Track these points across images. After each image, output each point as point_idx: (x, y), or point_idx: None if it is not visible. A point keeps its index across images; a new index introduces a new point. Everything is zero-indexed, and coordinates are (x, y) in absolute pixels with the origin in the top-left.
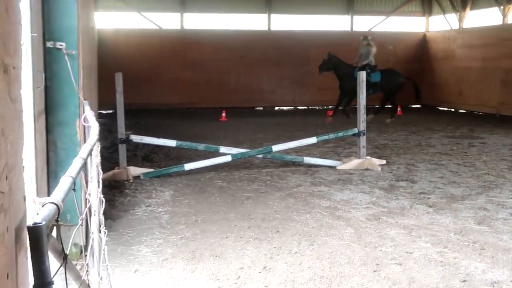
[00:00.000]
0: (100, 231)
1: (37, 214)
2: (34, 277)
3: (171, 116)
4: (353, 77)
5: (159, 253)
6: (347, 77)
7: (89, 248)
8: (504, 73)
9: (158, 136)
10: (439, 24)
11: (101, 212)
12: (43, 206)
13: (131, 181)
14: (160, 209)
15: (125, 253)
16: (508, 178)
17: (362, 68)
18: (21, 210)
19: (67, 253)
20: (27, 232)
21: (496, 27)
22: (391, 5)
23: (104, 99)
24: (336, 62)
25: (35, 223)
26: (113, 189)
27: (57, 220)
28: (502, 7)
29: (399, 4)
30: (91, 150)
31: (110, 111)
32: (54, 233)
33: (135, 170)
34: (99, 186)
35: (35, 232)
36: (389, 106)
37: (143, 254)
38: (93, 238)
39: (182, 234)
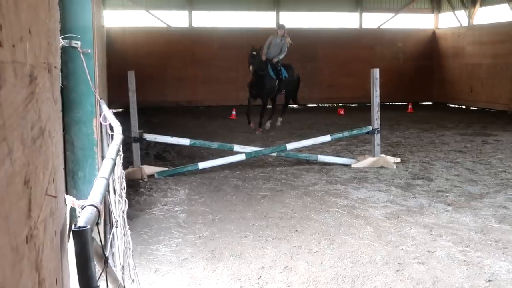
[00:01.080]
0: (124, 233)
1: (78, 217)
2: (80, 283)
3: (180, 114)
4: (269, 74)
5: (178, 252)
6: (267, 74)
7: (115, 249)
8: None
9: (169, 135)
10: (448, 21)
11: (125, 212)
12: (82, 208)
13: (145, 180)
14: (176, 208)
15: (144, 252)
16: None
17: (274, 64)
18: (63, 213)
19: (108, 256)
20: (70, 236)
21: (507, 23)
22: (400, 2)
23: (112, 98)
24: (260, 58)
25: (80, 227)
26: (128, 188)
27: (97, 223)
28: None
29: (408, 1)
30: (118, 150)
31: (119, 110)
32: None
33: (149, 169)
34: (122, 187)
35: (81, 236)
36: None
37: (162, 254)
38: (123, 240)
39: (200, 233)
